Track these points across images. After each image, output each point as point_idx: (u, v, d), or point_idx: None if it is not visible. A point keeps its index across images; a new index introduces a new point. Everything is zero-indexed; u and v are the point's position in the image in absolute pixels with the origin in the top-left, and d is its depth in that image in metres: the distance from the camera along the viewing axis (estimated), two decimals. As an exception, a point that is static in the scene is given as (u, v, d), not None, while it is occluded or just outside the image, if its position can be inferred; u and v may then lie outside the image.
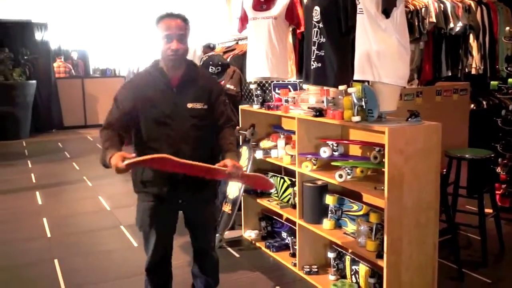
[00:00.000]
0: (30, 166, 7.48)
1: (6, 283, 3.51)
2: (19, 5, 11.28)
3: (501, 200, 4.63)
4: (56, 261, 3.82)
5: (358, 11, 2.85)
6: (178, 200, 2.55)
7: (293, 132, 3.53)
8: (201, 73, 2.69)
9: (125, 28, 13.39)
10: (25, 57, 10.49)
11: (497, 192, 4.65)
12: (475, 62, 5.52)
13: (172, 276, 2.75)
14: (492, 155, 3.66)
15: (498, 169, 4.70)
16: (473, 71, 5.55)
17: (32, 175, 6.82)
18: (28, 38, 10.99)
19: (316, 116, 3.18)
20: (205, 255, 2.78)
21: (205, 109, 2.54)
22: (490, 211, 3.82)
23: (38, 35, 11.21)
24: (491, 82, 5.05)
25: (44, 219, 4.86)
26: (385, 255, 2.67)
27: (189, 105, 2.50)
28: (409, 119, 2.81)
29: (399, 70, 2.81)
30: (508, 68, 5.03)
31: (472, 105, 5.15)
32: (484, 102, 5.30)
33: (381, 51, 2.77)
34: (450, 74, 5.54)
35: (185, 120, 2.50)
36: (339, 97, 3.09)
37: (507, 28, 5.16)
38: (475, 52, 5.54)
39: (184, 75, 2.54)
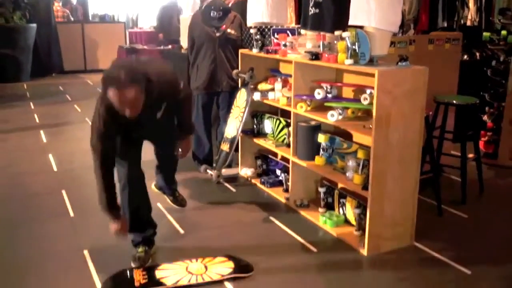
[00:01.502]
0: (32, 107, 7.65)
1: (17, 211, 3.76)
2: None
3: (486, 147, 4.85)
4: (63, 191, 4.07)
5: (354, -43, 2.97)
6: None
7: (290, 76, 3.70)
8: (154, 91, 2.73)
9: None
10: (25, 0, 10.43)
11: (482, 139, 4.88)
12: (470, 14, 5.65)
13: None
14: (477, 101, 3.85)
15: (485, 118, 4.90)
16: (468, 23, 5.68)
17: (35, 115, 7.00)
18: (28, -20, 10.91)
19: (312, 59, 3.35)
20: (167, 158, 3.34)
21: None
22: (472, 155, 4.06)
23: (38, -22, 11.11)
24: (484, 33, 5.18)
25: (50, 155, 5.09)
26: (370, 187, 2.92)
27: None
28: (399, 63, 2.99)
29: (391, 16, 2.97)
30: (502, 20, 5.15)
31: (465, 56, 5.30)
32: (477, 54, 5.45)
33: (375, -3, 2.92)
34: (445, 25, 5.67)
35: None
36: (335, 42, 3.25)
37: (502, -20, 5.24)
38: (471, 4, 5.65)
39: (142, 113, 2.68)
